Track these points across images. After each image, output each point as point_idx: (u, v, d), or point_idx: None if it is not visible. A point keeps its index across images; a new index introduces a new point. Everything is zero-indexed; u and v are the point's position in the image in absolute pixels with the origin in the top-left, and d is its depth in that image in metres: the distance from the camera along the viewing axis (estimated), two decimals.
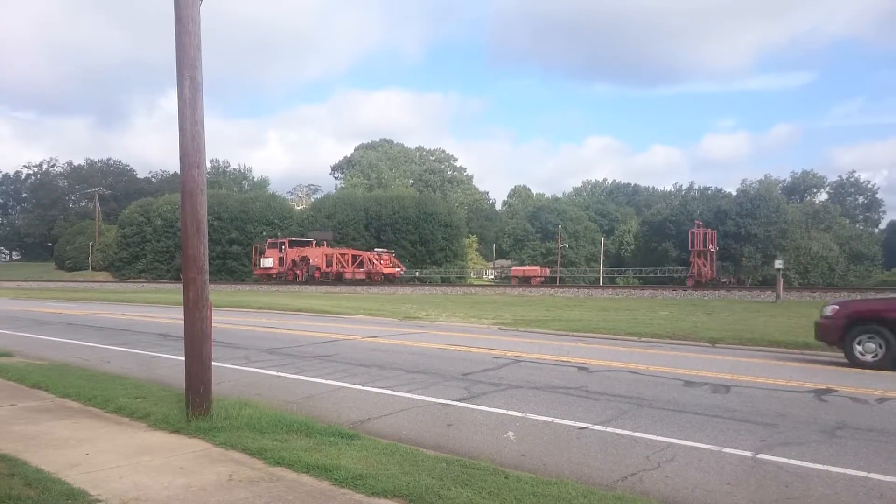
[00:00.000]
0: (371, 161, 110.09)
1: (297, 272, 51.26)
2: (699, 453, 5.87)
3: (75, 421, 6.56)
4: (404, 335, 15.62)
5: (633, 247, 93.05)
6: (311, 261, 51.36)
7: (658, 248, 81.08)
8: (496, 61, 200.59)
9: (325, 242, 54.76)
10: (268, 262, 52.84)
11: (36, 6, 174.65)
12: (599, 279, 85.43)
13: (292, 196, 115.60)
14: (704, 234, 49.64)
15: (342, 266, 50.37)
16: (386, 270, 51.15)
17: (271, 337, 15.01)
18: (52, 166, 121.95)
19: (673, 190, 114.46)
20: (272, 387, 8.90)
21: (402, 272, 54.03)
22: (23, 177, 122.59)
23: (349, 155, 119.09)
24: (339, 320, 20.74)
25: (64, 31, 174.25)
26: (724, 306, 27.89)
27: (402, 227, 76.08)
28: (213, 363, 6.76)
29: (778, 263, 33.90)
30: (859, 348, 11.72)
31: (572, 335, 16.31)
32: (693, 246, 49.34)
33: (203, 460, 5.31)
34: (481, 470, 5.17)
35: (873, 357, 11.59)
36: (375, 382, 9.11)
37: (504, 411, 7.43)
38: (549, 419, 7.07)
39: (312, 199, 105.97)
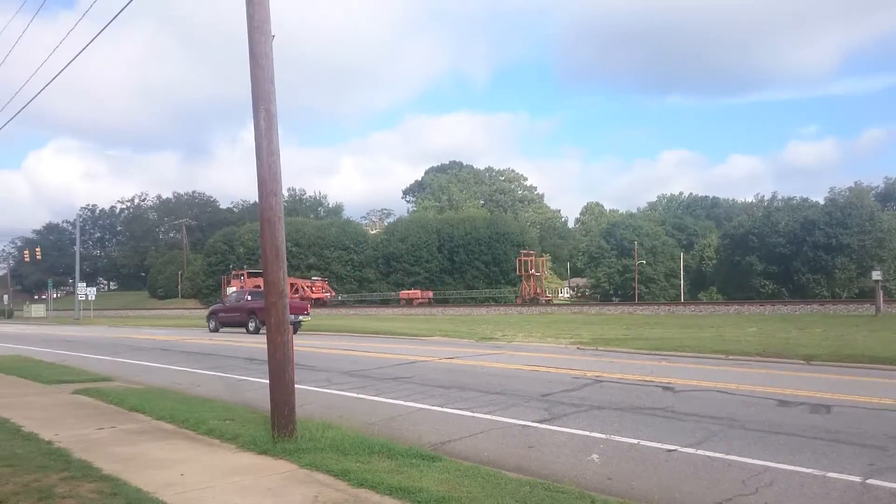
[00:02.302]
0: (441, 184, 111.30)
1: None
2: (800, 478, 5.52)
3: (170, 442, 6.84)
4: (481, 356, 15.56)
5: (714, 261, 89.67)
6: (262, 289, 56.71)
7: (742, 262, 77.75)
8: (564, 79, 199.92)
9: None
10: (231, 290, 59.01)
11: (127, 50, 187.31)
12: (680, 295, 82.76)
13: (366, 221, 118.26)
14: (534, 261, 58.16)
15: None
16: (315, 295, 59.33)
17: (350, 359, 15.26)
18: (143, 200, 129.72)
19: (755, 201, 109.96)
20: (353, 408, 9.02)
21: (330, 297, 62.88)
22: (117, 211, 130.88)
23: (420, 179, 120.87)
24: (416, 342, 20.90)
25: (153, 73, 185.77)
26: (819, 321, 26.40)
27: (475, 248, 76.20)
28: (297, 386, 6.92)
29: (876, 275, 31.90)
30: (211, 324, 29.10)
31: (655, 354, 15.80)
32: (521, 271, 58.13)
33: (289, 481, 5.42)
34: (566, 493, 5.04)
35: (213, 328, 28.73)
36: (454, 404, 9.08)
37: (587, 433, 7.24)
38: (635, 441, 6.83)
39: (385, 224, 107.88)
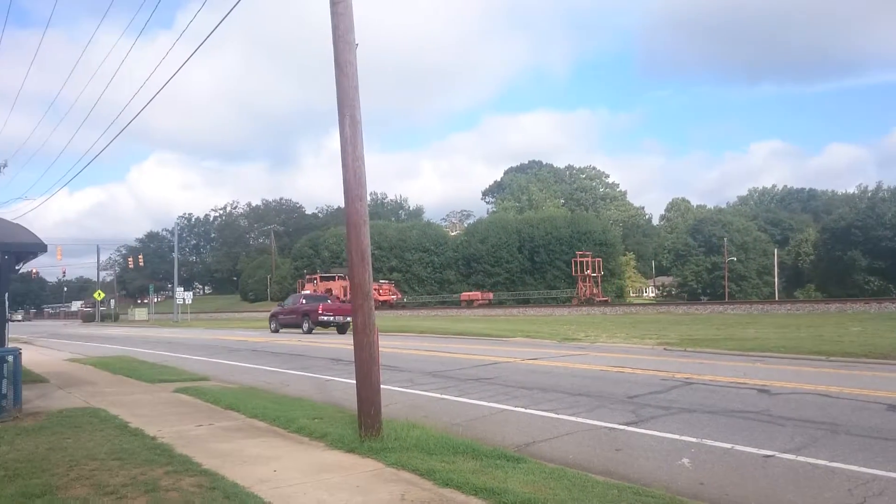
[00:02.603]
0: (521, 184, 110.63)
1: None
2: None
3: (263, 440, 7.12)
4: (564, 357, 15.35)
5: (812, 257, 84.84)
6: (332, 292, 62.44)
7: (843, 258, 73.22)
8: (645, 72, 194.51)
9: (345, 276, 66.38)
10: (306, 293, 64.53)
11: (218, 66, 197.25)
12: (774, 293, 78.82)
13: (446, 223, 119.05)
14: (589, 262, 59.50)
15: None
16: (382, 298, 61.75)
17: (433, 360, 15.40)
18: (234, 208, 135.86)
19: (857, 192, 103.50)
20: (436, 409, 9.10)
21: (397, 299, 63.98)
22: (211, 219, 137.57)
23: (499, 179, 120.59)
24: (499, 343, 20.85)
25: (242, 87, 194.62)
26: None
27: (556, 247, 75.31)
28: (381, 385, 7.05)
29: None
30: (272, 325, 31.50)
31: (748, 355, 15.10)
32: (577, 272, 59.87)
33: (376, 479, 5.53)
34: (656, 498, 4.89)
35: (274, 329, 31.02)
36: (538, 405, 9.01)
37: (677, 436, 7.01)
38: (729, 446, 6.55)
39: (465, 225, 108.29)
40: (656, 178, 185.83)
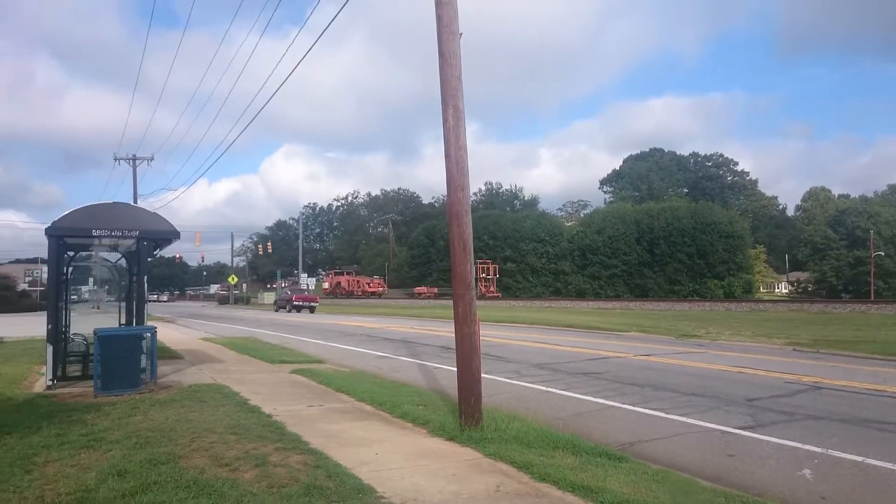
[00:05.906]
0: (640, 172, 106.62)
1: (336, 291, 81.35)
2: None
3: (368, 423, 7.35)
4: (680, 354, 14.68)
5: None
6: (341, 284, 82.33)
7: None
8: (788, 50, 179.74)
9: (353, 272, 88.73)
10: (325, 285, 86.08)
11: (343, 60, 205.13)
12: None
13: (562, 213, 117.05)
14: (489, 268, 71.10)
15: (353, 288, 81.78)
16: (370, 289, 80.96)
17: (541, 352, 15.23)
18: (356, 198, 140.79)
19: None
20: (540, 402, 8.99)
21: (384, 291, 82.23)
22: (333, 208, 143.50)
23: (618, 168, 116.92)
24: (611, 337, 20.30)
25: (366, 80, 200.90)
26: None
27: (677, 239, 71.95)
28: (486, 376, 7.07)
29: None
30: (274, 308, 55.10)
31: (892, 359, 13.74)
32: (477, 275, 65.49)
33: (473, 469, 5.54)
34: None
35: (276, 310, 50.31)
36: (647, 403, 8.67)
37: (798, 445, 6.50)
38: (859, 458, 5.99)
39: (581, 215, 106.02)
40: (796, 165, 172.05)
